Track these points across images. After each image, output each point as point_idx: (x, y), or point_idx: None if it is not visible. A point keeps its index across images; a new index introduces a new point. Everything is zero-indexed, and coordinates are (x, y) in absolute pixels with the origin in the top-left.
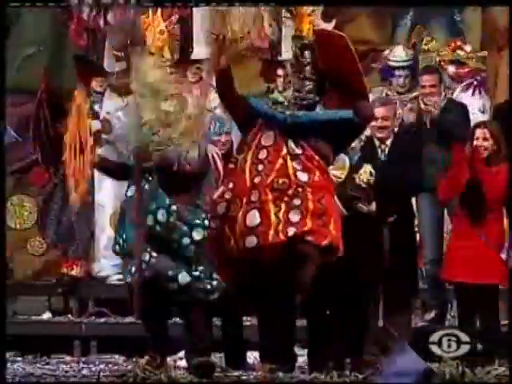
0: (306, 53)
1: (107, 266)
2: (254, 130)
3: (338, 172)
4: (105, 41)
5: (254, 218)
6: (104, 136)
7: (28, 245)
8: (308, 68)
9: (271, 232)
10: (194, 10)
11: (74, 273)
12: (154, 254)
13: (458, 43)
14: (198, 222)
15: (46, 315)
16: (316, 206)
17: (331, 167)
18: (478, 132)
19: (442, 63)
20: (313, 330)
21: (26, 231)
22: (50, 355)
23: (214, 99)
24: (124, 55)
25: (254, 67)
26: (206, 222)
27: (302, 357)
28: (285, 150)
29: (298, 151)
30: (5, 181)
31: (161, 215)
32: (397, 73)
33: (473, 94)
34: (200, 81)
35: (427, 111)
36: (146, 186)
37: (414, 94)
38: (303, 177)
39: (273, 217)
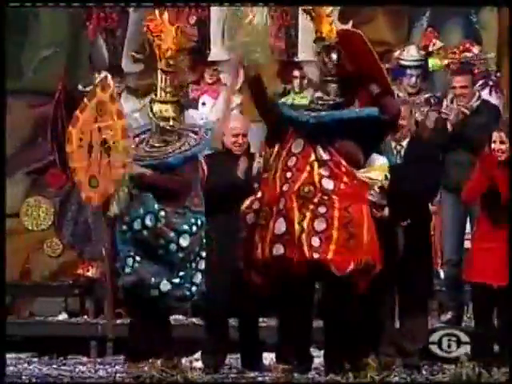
0: (332, 54)
1: None
2: (286, 137)
3: (373, 174)
4: (123, 42)
5: (281, 225)
6: None
7: (45, 246)
8: (333, 69)
9: (295, 242)
10: (212, 11)
11: (90, 274)
12: (138, 259)
13: (467, 45)
14: (185, 227)
15: (63, 316)
16: (342, 214)
17: (364, 170)
18: (495, 135)
19: (452, 66)
20: (329, 331)
21: (42, 232)
22: (67, 356)
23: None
24: (142, 57)
25: (271, 68)
26: (194, 227)
27: (318, 358)
28: (313, 157)
29: (326, 157)
30: (5, 181)
31: (148, 220)
32: (408, 72)
33: (490, 93)
34: (217, 82)
35: (459, 113)
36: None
37: (426, 95)
38: (329, 184)
39: (296, 226)
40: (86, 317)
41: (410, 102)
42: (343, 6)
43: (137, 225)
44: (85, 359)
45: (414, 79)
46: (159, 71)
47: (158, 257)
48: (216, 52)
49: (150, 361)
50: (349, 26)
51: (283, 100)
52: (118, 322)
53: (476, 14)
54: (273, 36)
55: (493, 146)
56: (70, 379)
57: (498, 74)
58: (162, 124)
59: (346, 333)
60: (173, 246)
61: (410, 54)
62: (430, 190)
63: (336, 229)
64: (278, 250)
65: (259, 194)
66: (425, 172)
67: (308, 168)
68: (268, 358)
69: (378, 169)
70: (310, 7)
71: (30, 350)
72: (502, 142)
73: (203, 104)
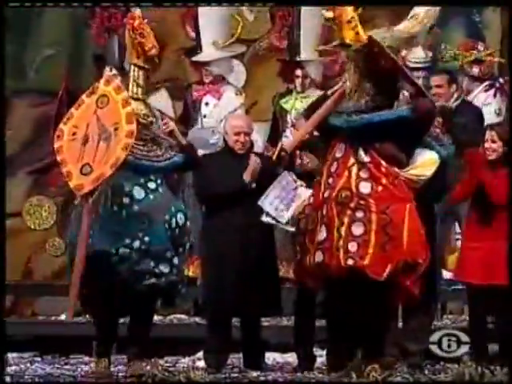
0: (359, 60)
1: None
2: (332, 143)
3: (417, 170)
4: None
5: (322, 232)
6: None
7: (47, 245)
8: (362, 74)
9: (334, 249)
10: (201, 9)
11: None
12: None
13: (471, 44)
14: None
15: (65, 316)
16: (380, 217)
17: (408, 168)
18: (487, 134)
19: (466, 66)
20: (332, 331)
21: (44, 232)
22: (69, 355)
23: (232, 102)
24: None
25: (274, 68)
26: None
27: (320, 357)
28: (352, 161)
29: (367, 159)
30: (5, 181)
31: (179, 219)
32: (415, 74)
33: (494, 95)
34: (220, 82)
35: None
36: (161, 189)
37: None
38: (365, 188)
39: (335, 233)
40: (87, 316)
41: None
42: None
43: (173, 223)
44: (87, 359)
45: (420, 80)
46: (134, 67)
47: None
48: (209, 52)
49: (153, 360)
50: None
51: (285, 99)
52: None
53: (479, 14)
54: (275, 35)
55: (485, 145)
56: (72, 379)
57: (506, 78)
58: (141, 121)
59: (349, 332)
60: (188, 245)
61: (417, 56)
62: (435, 192)
63: (374, 232)
64: (319, 257)
65: (311, 199)
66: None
67: (346, 173)
68: (271, 357)
69: (421, 165)
70: (331, 15)
71: (33, 350)
72: (493, 141)
73: (206, 104)
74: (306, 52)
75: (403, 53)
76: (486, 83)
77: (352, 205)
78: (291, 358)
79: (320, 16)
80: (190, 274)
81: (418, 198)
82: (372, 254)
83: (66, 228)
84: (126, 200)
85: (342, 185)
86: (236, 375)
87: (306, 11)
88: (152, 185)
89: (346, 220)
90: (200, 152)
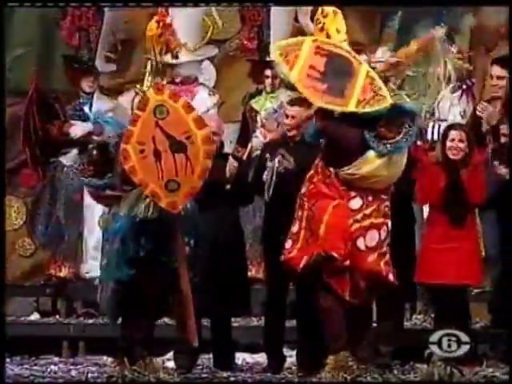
0: None
1: (95, 267)
2: None
3: (353, 169)
4: (98, 41)
5: None
6: (95, 138)
7: (16, 246)
8: None
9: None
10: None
11: (62, 274)
12: None
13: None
14: None
15: (34, 316)
16: (308, 213)
17: (348, 166)
18: (454, 133)
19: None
20: (302, 331)
21: (14, 232)
22: (39, 356)
23: (205, 102)
24: (115, 56)
25: (244, 68)
26: None
27: (290, 358)
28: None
29: (317, 161)
30: (5, 181)
31: None
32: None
33: (460, 97)
34: (194, 82)
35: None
36: None
37: None
38: (304, 188)
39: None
40: (57, 317)
41: None
42: (335, 7)
43: None
44: (57, 359)
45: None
46: (155, 63)
47: None
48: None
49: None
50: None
51: (255, 100)
52: (90, 321)
53: (448, 17)
54: (245, 36)
55: (450, 144)
56: (41, 379)
57: (474, 80)
58: None
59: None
60: None
61: (377, 57)
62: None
63: (303, 228)
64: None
65: None
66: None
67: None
68: (240, 358)
69: (357, 164)
70: None
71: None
72: (460, 141)
73: None
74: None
75: (368, 53)
76: (453, 84)
77: (296, 205)
78: (261, 358)
79: (289, 16)
80: None
81: (396, 197)
82: (298, 248)
83: (35, 228)
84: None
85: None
86: (206, 375)
87: (275, 11)
88: None
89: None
90: None
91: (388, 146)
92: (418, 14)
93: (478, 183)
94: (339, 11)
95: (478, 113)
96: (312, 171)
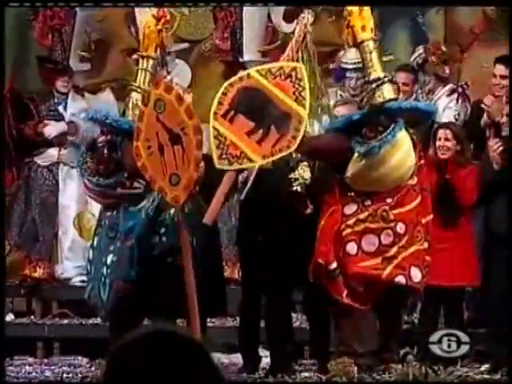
0: None
1: (70, 267)
2: None
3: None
4: (71, 41)
5: None
6: (70, 138)
7: None
8: None
9: None
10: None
11: (36, 274)
12: None
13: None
14: None
15: (9, 317)
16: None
17: None
18: (441, 132)
19: (436, 66)
20: (275, 331)
21: None
22: (13, 357)
23: None
24: (89, 56)
25: (218, 69)
26: None
27: (265, 358)
28: None
29: None
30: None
31: None
32: (348, 74)
33: (457, 100)
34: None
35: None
36: None
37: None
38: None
39: None
40: (32, 317)
41: (354, 101)
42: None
43: None
44: (31, 360)
45: (353, 81)
46: (147, 59)
47: None
48: None
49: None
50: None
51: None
52: (65, 322)
53: (422, 16)
54: (218, 37)
55: (438, 143)
56: (16, 380)
57: (469, 83)
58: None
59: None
60: None
61: (349, 57)
62: None
63: None
64: None
65: None
66: None
67: None
68: (216, 358)
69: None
70: None
71: None
72: (446, 139)
73: None
74: (249, 53)
75: (341, 53)
76: (449, 87)
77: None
78: (236, 358)
79: (262, 16)
80: None
81: None
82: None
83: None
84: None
85: None
86: None
87: (248, 11)
88: None
89: None
90: None
91: (364, 146)
92: (394, 13)
93: (470, 184)
94: (367, 8)
95: (483, 106)
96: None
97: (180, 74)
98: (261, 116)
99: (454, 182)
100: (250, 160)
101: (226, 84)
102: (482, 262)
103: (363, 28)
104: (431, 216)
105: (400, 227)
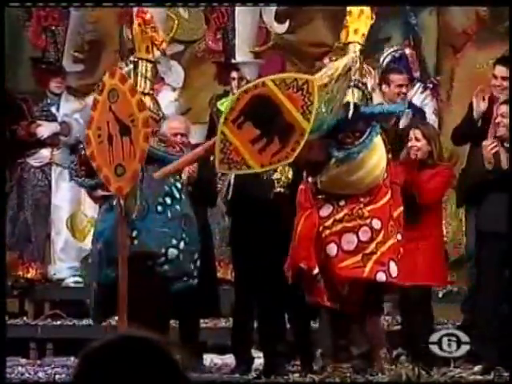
0: None
1: (63, 268)
2: None
3: (320, 178)
4: (64, 41)
5: None
6: (62, 138)
7: None
8: None
9: None
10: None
11: (29, 275)
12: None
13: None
14: None
15: None
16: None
17: None
18: (411, 133)
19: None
20: (268, 332)
21: None
22: (5, 358)
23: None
24: (82, 56)
25: (211, 69)
26: None
27: (258, 359)
28: None
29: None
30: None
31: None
32: None
33: (432, 96)
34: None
35: None
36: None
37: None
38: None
39: None
40: (25, 318)
41: None
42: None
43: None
44: (24, 361)
45: None
46: (143, 62)
47: None
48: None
49: None
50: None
51: (221, 101)
52: (58, 323)
53: (415, 16)
54: (210, 38)
55: (409, 143)
56: (8, 381)
57: (438, 78)
58: (154, 115)
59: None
60: None
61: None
62: None
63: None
64: None
65: None
66: None
67: None
68: (208, 359)
69: (324, 171)
70: None
71: None
72: (417, 139)
73: None
74: (242, 54)
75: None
76: (419, 85)
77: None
78: (229, 359)
79: (254, 16)
80: None
81: None
82: (289, 258)
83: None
84: (168, 200)
85: None
86: None
87: (240, 12)
88: (179, 185)
89: None
90: None
91: (342, 151)
92: (387, 14)
93: (432, 184)
94: (367, 10)
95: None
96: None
97: (172, 74)
98: (267, 125)
99: (415, 181)
100: (249, 167)
101: (240, 90)
102: (474, 263)
103: (356, 31)
104: (402, 208)
105: (376, 223)
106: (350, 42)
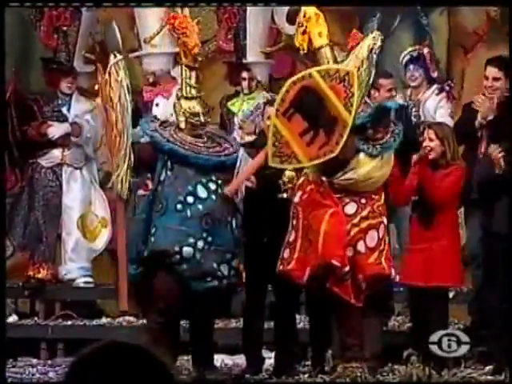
0: None
1: (74, 268)
2: None
3: (348, 174)
4: (76, 42)
5: None
6: (73, 139)
7: None
8: None
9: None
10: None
11: (40, 275)
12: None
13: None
14: None
15: (13, 318)
16: (303, 223)
17: (341, 172)
18: (425, 133)
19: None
20: (280, 333)
21: None
22: (17, 358)
23: None
24: (93, 57)
25: (222, 70)
26: None
27: (269, 359)
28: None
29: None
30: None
31: (239, 220)
32: None
33: (447, 98)
34: (167, 82)
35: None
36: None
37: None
38: (296, 197)
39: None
40: (36, 318)
41: None
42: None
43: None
44: (35, 361)
45: None
46: (184, 68)
47: None
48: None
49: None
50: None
51: (232, 102)
52: (69, 323)
53: (426, 16)
54: (221, 38)
55: (424, 143)
56: (19, 381)
57: (455, 81)
58: (192, 120)
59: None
60: None
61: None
62: None
63: (300, 238)
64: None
65: None
66: None
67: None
68: (219, 359)
69: (350, 169)
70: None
71: None
72: (430, 140)
73: (157, 105)
74: (252, 54)
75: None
76: (435, 86)
77: (290, 214)
78: (240, 359)
79: (265, 17)
80: None
81: None
82: (296, 258)
83: (14, 230)
84: (189, 199)
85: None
86: (184, 377)
87: (251, 12)
88: (213, 186)
89: (288, 229)
90: None
91: (378, 146)
92: (397, 15)
93: (445, 184)
94: (321, 14)
95: (474, 106)
96: (302, 180)
97: None
98: (314, 117)
99: (429, 181)
100: (298, 161)
101: (289, 81)
102: (482, 264)
103: (320, 34)
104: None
105: (385, 219)
106: (320, 47)
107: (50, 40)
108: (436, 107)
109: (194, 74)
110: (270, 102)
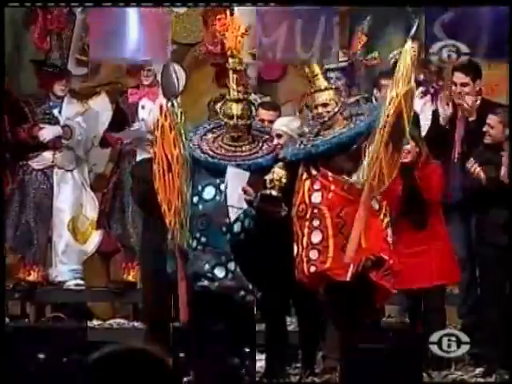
0: None
1: (65, 271)
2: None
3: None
4: (70, 44)
5: (294, 249)
6: (65, 142)
7: None
8: None
9: (298, 262)
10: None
11: (31, 278)
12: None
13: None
14: None
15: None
16: (334, 221)
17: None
18: None
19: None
20: (272, 335)
21: None
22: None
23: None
24: (86, 59)
25: (211, 72)
26: None
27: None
28: (305, 176)
29: (315, 172)
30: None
31: (247, 224)
32: (328, 75)
33: (432, 101)
34: (157, 84)
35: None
36: None
37: (353, 98)
38: (317, 198)
39: (300, 245)
40: (26, 321)
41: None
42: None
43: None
44: None
45: (332, 81)
46: (230, 71)
47: None
48: None
49: None
50: None
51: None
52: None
53: (418, 18)
54: (208, 41)
55: None
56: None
57: (440, 83)
58: (240, 123)
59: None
60: None
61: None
62: None
63: (332, 237)
64: (296, 273)
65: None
66: None
67: (302, 188)
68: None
69: (362, 169)
70: None
71: None
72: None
73: (142, 107)
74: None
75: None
76: (420, 89)
77: (308, 215)
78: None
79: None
80: (130, 278)
81: None
82: (332, 257)
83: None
84: (194, 199)
85: (299, 200)
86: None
87: (238, 13)
88: (222, 186)
89: (305, 231)
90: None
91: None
92: (388, 16)
93: (434, 181)
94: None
95: (466, 106)
96: (319, 181)
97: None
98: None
99: (420, 181)
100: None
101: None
102: (476, 267)
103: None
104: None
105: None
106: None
107: (43, 43)
108: (421, 110)
109: (236, 76)
110: (265, 104)
